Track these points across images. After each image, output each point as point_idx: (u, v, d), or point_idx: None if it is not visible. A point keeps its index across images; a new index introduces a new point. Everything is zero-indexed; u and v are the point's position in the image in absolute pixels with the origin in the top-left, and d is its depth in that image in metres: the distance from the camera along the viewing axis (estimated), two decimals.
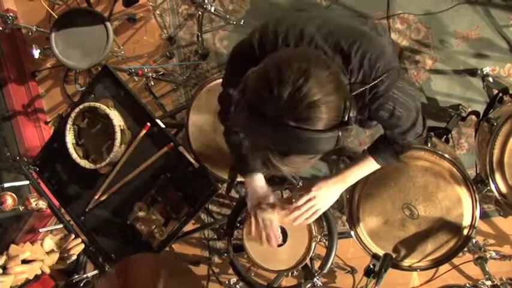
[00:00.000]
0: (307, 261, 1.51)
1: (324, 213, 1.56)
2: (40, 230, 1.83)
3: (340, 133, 0.85)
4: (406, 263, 1.57)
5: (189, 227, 2.03)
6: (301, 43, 1.02)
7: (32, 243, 1.65)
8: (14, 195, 1.70)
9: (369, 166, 1.30)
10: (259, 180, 1.32)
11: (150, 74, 2.32)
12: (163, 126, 1.68)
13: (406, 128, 1.16)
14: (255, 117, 0.84)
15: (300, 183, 1.64)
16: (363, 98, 1.03)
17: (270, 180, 1.66)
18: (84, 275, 1.84)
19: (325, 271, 1.52)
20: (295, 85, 0.80)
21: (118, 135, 1.64)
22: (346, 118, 0.86)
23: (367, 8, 2.27)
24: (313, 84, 0.80)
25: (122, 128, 1.67)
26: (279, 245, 1.49)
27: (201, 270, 2.52)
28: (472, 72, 2.16)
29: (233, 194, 2.33)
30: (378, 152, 1.28)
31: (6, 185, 1.73)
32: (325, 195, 1.29)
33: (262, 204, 1.31)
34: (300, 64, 0.82)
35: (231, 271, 1.64)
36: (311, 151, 0.87)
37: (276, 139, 0.84)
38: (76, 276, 1.82)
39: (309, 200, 1.28)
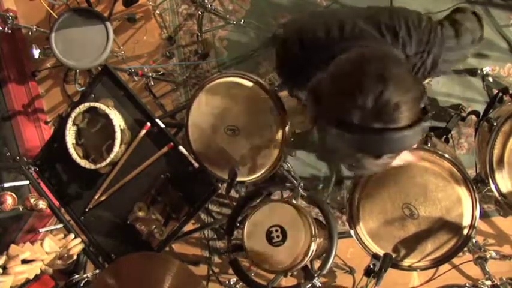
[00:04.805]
0: (307, 261, 1.51)
1: (324, 213, 1.57)
2: (40, 230, 1.83)
3: (425, 125, 0.86)
4: (406, 262, 1.56)
5: (189, 227, 2.04)
6: (344, 31, 1.02)
7: (32, 243, 1.66)
8: (14, 195, 1.70)
9: None
10: None
11: (150, 74, 2.33)
12: (163, 126, 1.68)
13: None
14: (340, 127, 0.84)
15: (301, 184, 1.64)
16: (424, 65, 1.03)
17: (270, 180, 1.67)
18: (84, 275, 1.84)
19: (324, 271, 1.52)
20: (376, 91, 0.80)
21: (118, 135, 1.64)
22: (424, 106, 0.87)
23: None
24: (393, 87, 0.81)
25: (121, 128, 1.67)
26: (278, 245, 1.49)
27: (201, 270, 2.52)
28: (472, 72, 2.16)
29: (233, 194, 2.33)
30: None
31: (6, 185, 1.73)
32: None
33: None
34: (375, 66, 0.82)
35: (231, 271, 1.64)
36: (403, 147, 0.88)
37: (366, 144, 0.85)
38: (76, 276, 1.83)
39: None
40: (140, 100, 1.70)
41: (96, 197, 1.75)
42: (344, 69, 0.85)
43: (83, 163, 1.71)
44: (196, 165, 1.62)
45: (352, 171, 0.95)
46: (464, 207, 1.48)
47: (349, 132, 0.84)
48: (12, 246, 1.60)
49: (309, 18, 1.08)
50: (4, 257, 1.56)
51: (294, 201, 1.55)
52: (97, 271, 1.81)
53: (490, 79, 2.04)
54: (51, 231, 1.84)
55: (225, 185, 1.66)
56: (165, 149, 1.66)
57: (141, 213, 1.67)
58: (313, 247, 1.48)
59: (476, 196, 1.46)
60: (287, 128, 1.53)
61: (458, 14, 1.23)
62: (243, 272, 1.60)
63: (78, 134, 1.76)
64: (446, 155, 1.46)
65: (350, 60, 0.87)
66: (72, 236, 1.77)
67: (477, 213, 1.47)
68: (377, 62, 0.83)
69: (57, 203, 1.83)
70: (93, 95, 1.74)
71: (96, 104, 1.67)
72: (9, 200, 1.68)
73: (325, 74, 0.88)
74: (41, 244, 1.67)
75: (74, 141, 1.73)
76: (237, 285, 2.07)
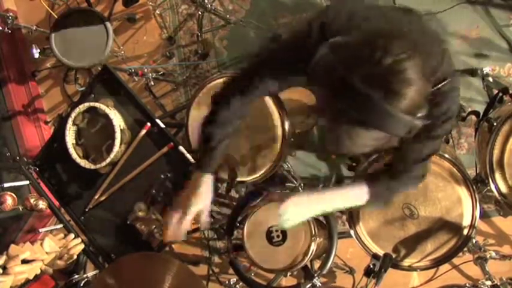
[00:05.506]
0: (307, 261, 1.51)
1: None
2: (40, 230, 1.83)
3: (416, 123, 0.84)
4: (406, 263, 1.56)
5: None
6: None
7: (32, 243, 1.65)
8: (14, 195, 1.70)
9: (355, 194, 1.24)
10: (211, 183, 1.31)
11: (150, 74, 2.33)
12: (163, 126, 1.68)
13: (423, 156, 1.16)
14: (344, 77, 0.82)
15: (301, 184, 1.64)
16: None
17: (270, 180, 1.67)
18: (84, 275, 1.84)
19: (324, 271, 1.52)
20: (399, 57, 0.80)
21: (118, 135, 1.64)
22: (421, 113, 0.86)
23: None
24: (413, 64, 0.81)
25: (121, 128, 1.67)
26: (278, 245, 1.49)
27: (201, 270, 2.51)
28: (472, 72, 2.16)
29: (233, 194, 2.33)
30: (374, 182, 1.23)
31: (6, 185, 1.73)
32: (294, 211, 1.22)
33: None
34: (409, 42, 0.83)
35: (231, 271, 1.65)
36: (385, 127, 0.85)
37: (358, 104, 0.82)
38: (76, 276, 1.83)
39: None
40: (140, 100, 1.70)
41: (96, 197, 1.75)
42: (377, 28, 0.86)
43: (83, 163, 1.71)
44: None
45: (332, 146, 0.91)
46: (464, 207, 1.48)
47: (350, 83, 0.81)
48: (12, 246, 1.60)
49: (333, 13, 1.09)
50: (4, 257, 1.56)
51: None
52: (97, 271, 1.81)
53: (490, 79, 2.04)
54: (51, 231, 1.84)
55: (225, 185, 1.67)
56: (165, 149, 1.66)
57: (141, 213, 1.67)
58: (313, 247, 1.48)
59: (476, 196, 1.46)
60: (287, 128, 1.53)
61: None
62: (242, 272, 1.60)
63: (78, 134, 1.76)
64: (446, 155, 1.46)
65: (395, 27, 0.89)
66: (72, 236, 1.76)
67: (477, 213, 1.47)
68: (414, 42, 0.84)
69: (57, 203, 1.83)
70: (93, 95, 1.74)
71: (96, 104, 1.67)
72: (9, 200, 1.68)
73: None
74: (41, 244, 1.67)
75: (74, 141, 1.73)
76: (237, 285, 2.07)
